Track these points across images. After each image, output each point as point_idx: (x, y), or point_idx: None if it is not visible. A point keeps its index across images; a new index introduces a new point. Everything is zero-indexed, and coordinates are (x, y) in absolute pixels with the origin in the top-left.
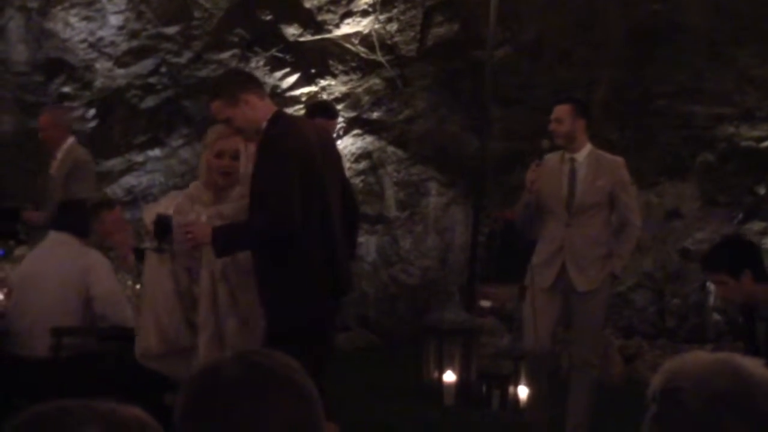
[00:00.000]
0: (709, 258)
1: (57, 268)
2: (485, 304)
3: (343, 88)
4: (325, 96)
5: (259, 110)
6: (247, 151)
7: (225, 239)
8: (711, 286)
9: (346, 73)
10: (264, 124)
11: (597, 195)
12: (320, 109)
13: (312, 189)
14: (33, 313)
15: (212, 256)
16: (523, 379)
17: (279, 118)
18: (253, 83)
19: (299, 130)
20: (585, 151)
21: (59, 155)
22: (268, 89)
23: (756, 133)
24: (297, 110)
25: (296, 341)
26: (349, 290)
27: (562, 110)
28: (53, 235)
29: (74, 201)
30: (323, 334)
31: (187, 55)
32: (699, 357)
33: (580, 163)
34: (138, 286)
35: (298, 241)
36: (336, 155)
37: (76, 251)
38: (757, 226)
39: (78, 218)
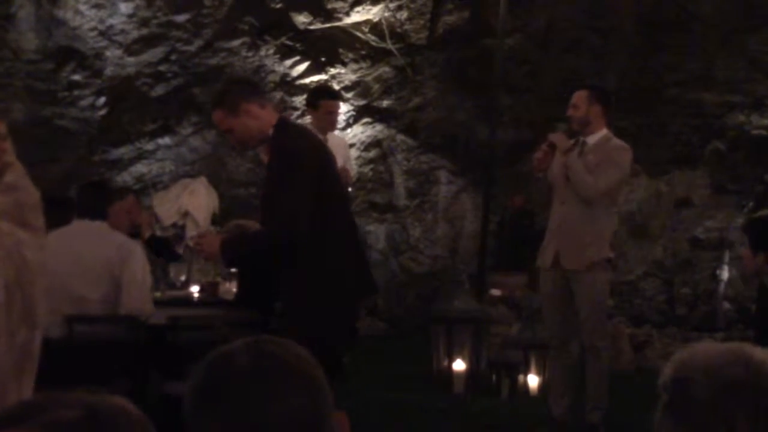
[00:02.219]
0: (747, 227)
1: (92, 253)
2: (495, 292)
3: (353, 77)
4: (335, 84)
5: (262, 119)
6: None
7: (233, 251)
8: (721, 275)
9: (356, 61)
10: (270, 132)
11: (585, 168)
12: (325, 91)
13: (332, 193)
14: (59, 297)
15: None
16: (532, 367)
17: (286, 125)
18: (254, 92)
19: (310, 136)
20: (598, 136)
21: None
22: (277, 77)
23: (766, 122)
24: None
25: (329, 347)
26: (375, 291)
27: (578, 96)
28: (82, 223)
29: (93, 184)
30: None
31: (197, 43)
32: (710, 347)
33: (589, 147)
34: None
35: (322, 245)
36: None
37: (110, 237)
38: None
39: (98, 201)
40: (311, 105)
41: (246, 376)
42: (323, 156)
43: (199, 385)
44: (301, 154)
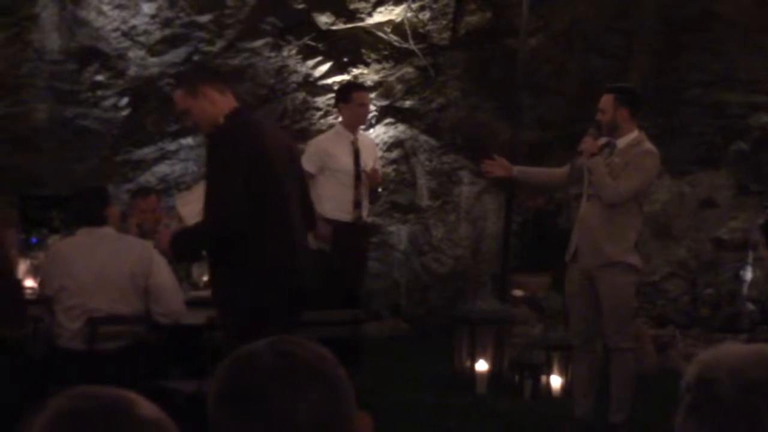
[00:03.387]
0: (765, 227)
1: (115, 268)
2: (517, 293)
3: (376, 77)
4: None
5: (218, 105)
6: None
7: (180, 244)
8: (745, 276)
9: (378, 61)
10: (221, 120)
11: (612, 171)
12: (355, 83)
13: (266, 188)
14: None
15: None
16: (555, 368)
17: (236, 116)
18: (216, 78)
19: (253, 128)
20: (628, 138)
21: None
22: (300, 78)
23: None
24: (329, 99)
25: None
26: (311, 289)
27: (604, 100)
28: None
29: (90, 190)
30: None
31: (219, 44)
32: (733, 348)
33: (618, 150)
34: None
35: (254, 239)
36: (297, 161)
37: (126, 247)
38: None
39: (99, 207)
40: (343, 99)
41: (269, 376)
42: (263, 151)
43: (221, 385)
44: (231, 148)
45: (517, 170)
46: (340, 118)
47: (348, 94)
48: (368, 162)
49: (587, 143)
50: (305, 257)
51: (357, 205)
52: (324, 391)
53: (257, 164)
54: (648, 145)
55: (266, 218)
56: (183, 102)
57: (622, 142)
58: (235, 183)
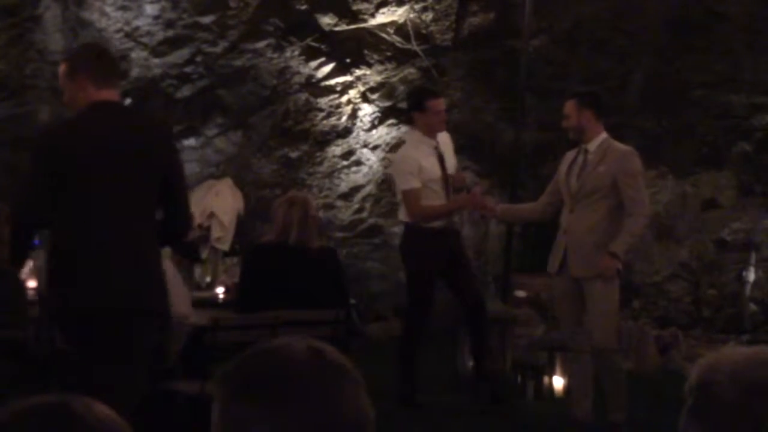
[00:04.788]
0: None
1: None
2: (520, 294)
3: (378, 78)
4: (360, 86)
5: (89, 98)
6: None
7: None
8: (747, 277)
9: (381, 62)
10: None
11: (597, 180)
12: (427, 90)
13: (78, 188)
14: None
15: None
16: (557, 369)
17: (83, 110)
18: (99, 72)
19: (77, 124)
20: (597, 141)
21: None
22: (303, 79)
23: None
24: (332, 100)
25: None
26: (141, 304)
27: (567, 106)
28: None
29: None
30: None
31: (222, 45)
32: (735, 350)
33: (591, 153)
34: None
35: (61, 239)
36: (156, 158)
37: None
38: None
39: None
40: (417, 108)
41: (306, 372)
42: (76, 150)
43: (244, 377)
44: (40, 142)
45: (501, 209)
46: (414, 126)
47: (422, 102)
48: (451, 163)
49: (471, 201)
50: (134, 266)
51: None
52: (353, 390)
53: (64, 162)
54: (623, 146)
55: (73, 220)
56: (62, 79)
57: (592, 146)
58: (35, 176)
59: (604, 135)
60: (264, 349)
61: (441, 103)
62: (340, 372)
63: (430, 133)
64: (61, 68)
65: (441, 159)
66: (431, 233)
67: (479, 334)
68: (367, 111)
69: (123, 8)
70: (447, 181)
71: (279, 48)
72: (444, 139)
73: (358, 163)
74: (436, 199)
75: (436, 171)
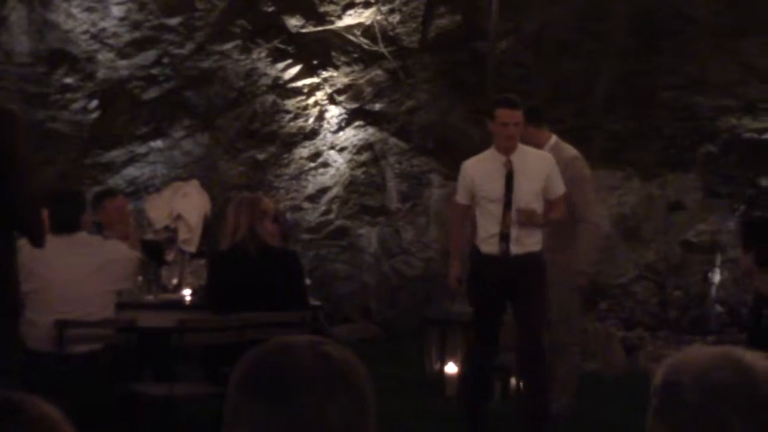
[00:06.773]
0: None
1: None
2: None
3: (345, 80)
4: (327, 88)
5: None
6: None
7: None
8: (713, 278)
9: (348, 64)
10: None
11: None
12: (502, 98)
13: None
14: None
15: None
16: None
17: None
18: None
19: None
20: (549, 145)
21: None
22: (270, 80)
23: (758, 125)
24: (299, 101)
25: None
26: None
27: (515, 116)
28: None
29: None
30: None
31: (189, 47)
32: (699, 350)
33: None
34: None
35: None
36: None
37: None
38: (759, 215)
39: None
40: (489, 116)
41: (306, 375)
42: None
43: (251, 372)
44: None
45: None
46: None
47: (492, 110)
48: (526, 188)
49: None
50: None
51: (503, 237)
52: (353, 396)
53: None
54: (571, 150)
55: None
56: None
57: (546, 149)
58: None
59: (553, 139)
60: (273, 347)
61: (509, 115)
62: (340, 377)
63: (499, 147)
64: None
65: (509, 178)
66: (483, 259)
67: (526, 374)
68: (334, 113)
69: (89, 10)
70: (509, 206)
71: (246, 50)
72: (532, 160)
73: (325, 164)
74: (492, 220)
75: (497, 191)
